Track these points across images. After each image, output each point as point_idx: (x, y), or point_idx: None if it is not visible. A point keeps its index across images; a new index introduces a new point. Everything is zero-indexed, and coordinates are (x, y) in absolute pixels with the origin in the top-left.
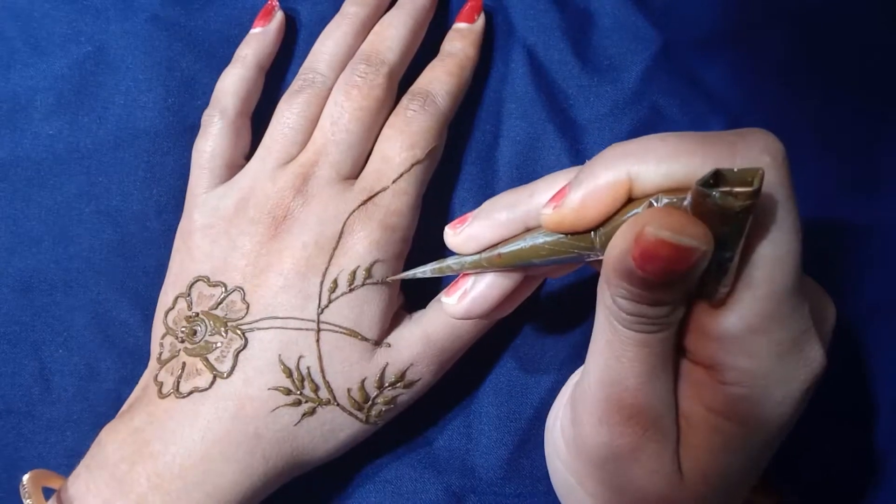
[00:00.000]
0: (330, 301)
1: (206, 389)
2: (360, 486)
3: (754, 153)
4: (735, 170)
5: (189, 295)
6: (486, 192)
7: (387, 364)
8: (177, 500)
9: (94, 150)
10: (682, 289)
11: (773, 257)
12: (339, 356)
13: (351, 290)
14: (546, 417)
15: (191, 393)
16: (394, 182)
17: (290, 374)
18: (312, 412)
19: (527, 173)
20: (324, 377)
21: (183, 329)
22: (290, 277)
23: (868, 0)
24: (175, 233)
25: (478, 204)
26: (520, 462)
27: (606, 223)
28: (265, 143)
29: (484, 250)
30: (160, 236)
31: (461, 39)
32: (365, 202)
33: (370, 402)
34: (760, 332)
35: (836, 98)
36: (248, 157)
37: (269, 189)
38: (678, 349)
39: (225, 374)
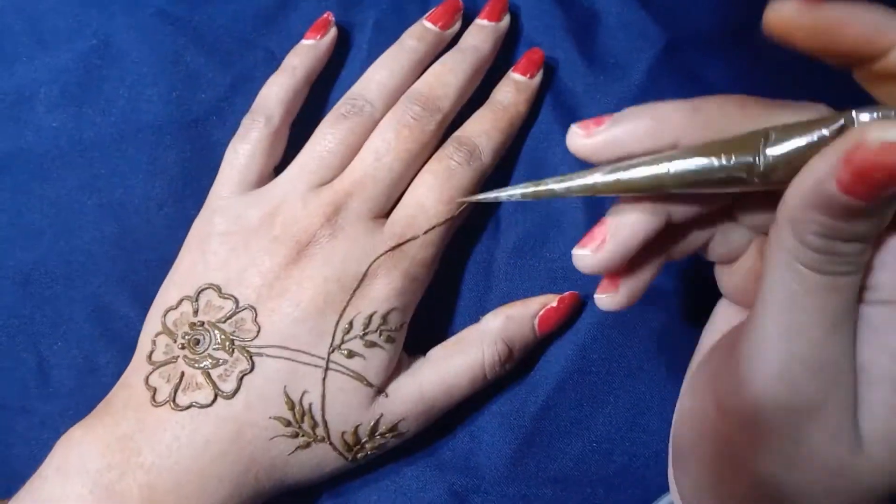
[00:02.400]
0: (343, 342)
1: (207, 406)
2: (363, 484)
3: None
4: None
5: (196, 300)
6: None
7: (381, 415)
8: None
9: (97, 143)
10: (877, 221)
11: None
12: (341, 398)
13: (364, 335)
14: (550, 417)
15: (189, 407)
16: (425, 233)
17: (292, 406)
18: (307, 446)
19: (534, 173)
20: (324, 416)
21: (185, 334)
22: (308, 310)
23: (871, 2)
24: (176, 227)
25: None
26: (524, 462)
27: (770, 145)
28: (301, 161)
29: (608, 168)
30: (162, 230)
31: (516, 93)
32: (393, 248)
33: (359, 446)
34: None
35: (841, 99)
36: (277, 170)
37: (299, 211)
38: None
39: (228, 395)
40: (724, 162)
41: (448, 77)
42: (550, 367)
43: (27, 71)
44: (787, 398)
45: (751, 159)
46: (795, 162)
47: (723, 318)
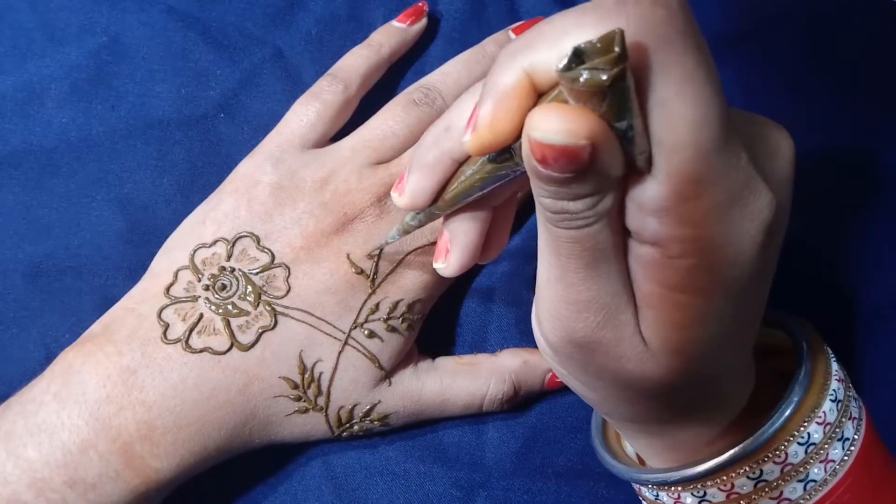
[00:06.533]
0: (366, 321)
1: (221, 354)
2: (369, 478)
3: (646, 8)
4: (595, 41)
5: (233, 245)
6: None
7: (379, 402)
8: (164, 454)
9: (106, 139)
10: (597, 180)
11: (685, 118)
12: (351, 374)
13: (388, 319)
14: (555, 412)
15: (202, 351)
16: None
17: (303, 371)
18: (305, 412)
19: None
20: (329, 387)
21: (212, 276)
22: (340, 282)
23: (875, 4)
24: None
25: None
26: (529, 456)
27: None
28: (363, 135)
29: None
30: (169, 225)
31: None
32: (432, 244)
33: (349, 424)
34: (693, 198)
35: (843, 101)
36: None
37: (353, 184)
38: (624, 231)
39: (244, 347)
40: (490, 161)
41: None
42: None
43: (38, 67)
44: (565, 335)
45: (508, 154)
46: None
47: None
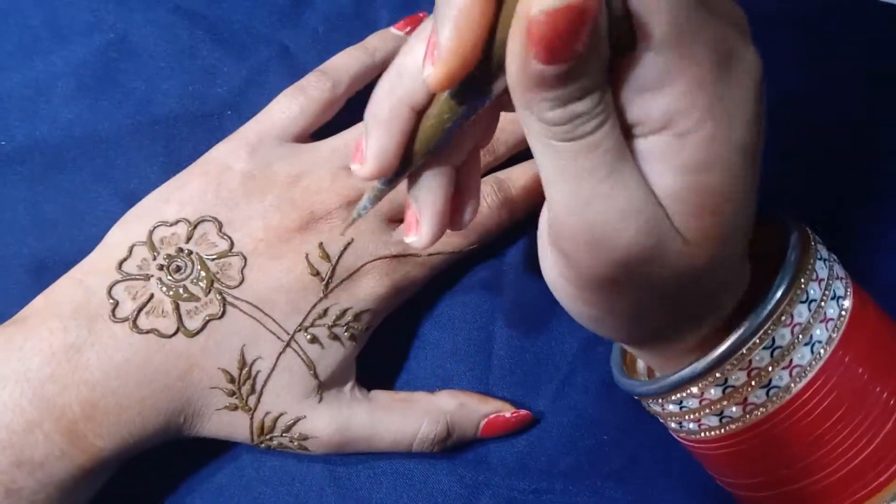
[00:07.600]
0: (312, 325)
1: (166, 337)
2: (373, 477)
3: None
4: None
5: (194, 227)
6: None
7: (304, 418)
8: (105, 434)
9: (112, 135)
10: (596, 64)
11: None
12: (286, 379)
13: (333, 326)
14: (560, 411)
15: (149, 332)
16: (429, 255)
17: (242, 366)
18: (233, 409)
19: None
20: (263, 389)
21: (168, 257)
22: (294, 282)
23: (870, 6)
24: None
25: None
26: (535, 455)
27: (490, 50)
28: (345, 138)
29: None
30: None
31: None
32: (394, 257)
33: (269, 436)
34: (689, 55)
35: (841, 102)
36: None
37: (325, 183)
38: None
39: (190, 333)
40: (455, 95)
41: (515, 125)
42: (558, 361)
43: (45, 65)
44: (606, 255)
45: (473, 84)
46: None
47: None
